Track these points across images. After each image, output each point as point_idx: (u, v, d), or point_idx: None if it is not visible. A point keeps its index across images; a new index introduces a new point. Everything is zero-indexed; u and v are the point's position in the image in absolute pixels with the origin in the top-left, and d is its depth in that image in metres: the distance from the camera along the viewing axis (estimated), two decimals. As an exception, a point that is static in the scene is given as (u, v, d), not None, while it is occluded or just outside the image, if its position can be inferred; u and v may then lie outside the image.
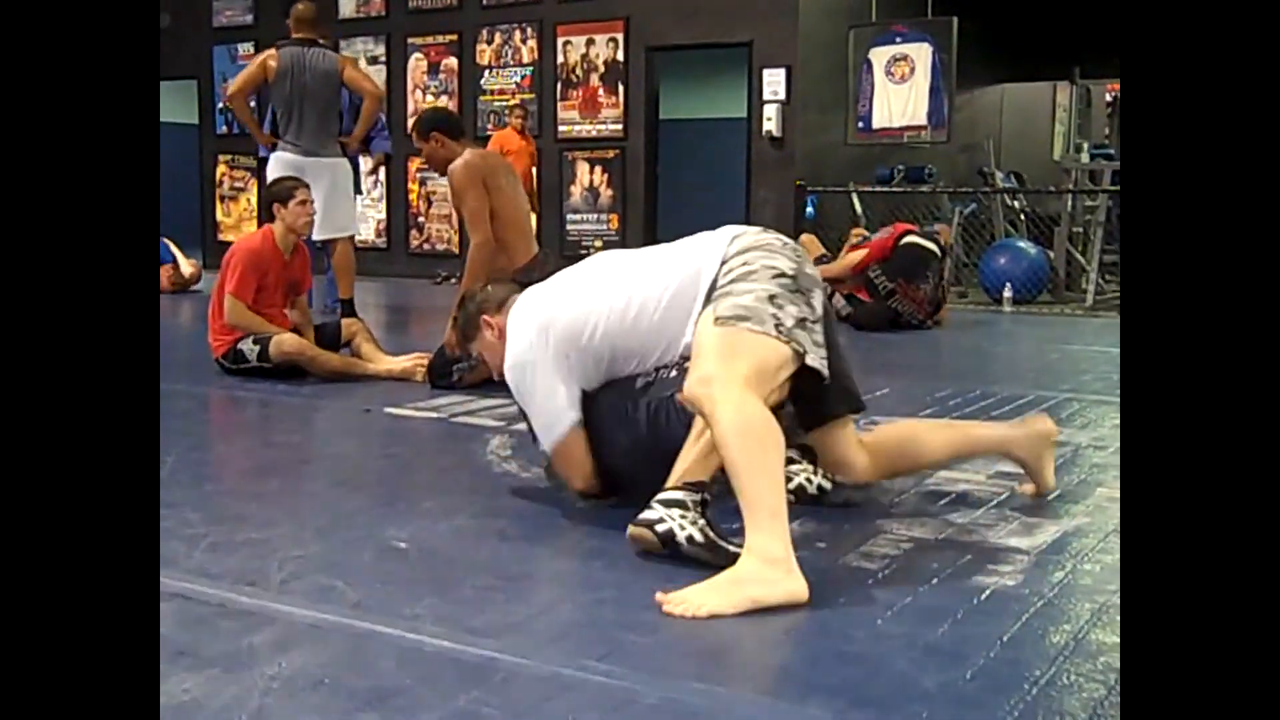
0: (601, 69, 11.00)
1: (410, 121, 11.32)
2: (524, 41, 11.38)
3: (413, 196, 12.01)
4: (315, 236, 6.09)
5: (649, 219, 10.98)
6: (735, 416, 2.39)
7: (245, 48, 12.47)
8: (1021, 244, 9.57)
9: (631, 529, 2.57)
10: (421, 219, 12.03)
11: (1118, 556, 2.62)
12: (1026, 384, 5.18)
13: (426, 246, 12.01)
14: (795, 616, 2.25)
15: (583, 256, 3.32)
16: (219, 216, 13.35)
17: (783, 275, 2.68)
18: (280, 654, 2.04)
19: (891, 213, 9.40)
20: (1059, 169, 11.74)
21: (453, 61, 11.76)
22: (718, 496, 2.57)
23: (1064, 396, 4.82)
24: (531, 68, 11.35)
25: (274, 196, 5.31)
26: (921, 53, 10.02)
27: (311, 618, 2.22)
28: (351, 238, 7.03)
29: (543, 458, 3.26)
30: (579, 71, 11.13)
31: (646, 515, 2.55)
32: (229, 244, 6.31)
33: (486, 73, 11.60)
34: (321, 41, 6.96)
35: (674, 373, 2.84)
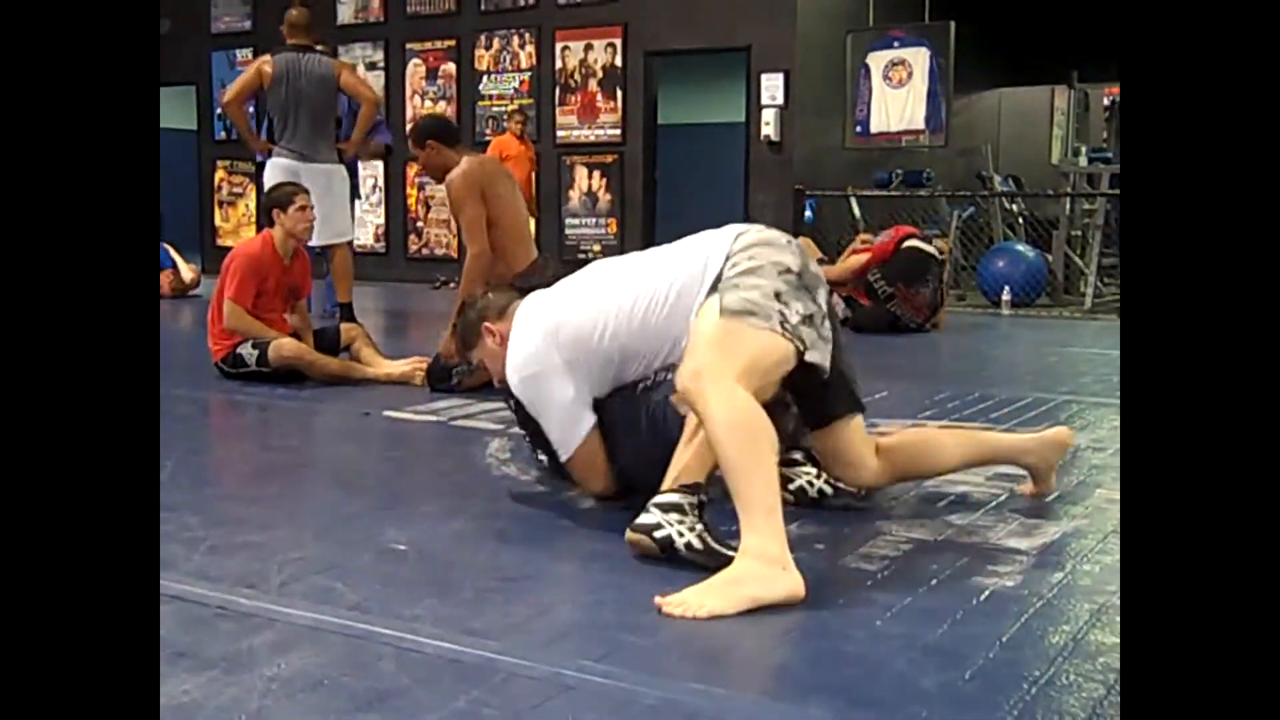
0: (600, 74, 11.02)
1: (409, 127, 11.46)
2: (522, 47, 11.39)
3: (411, 201, 12.02)
4: (312, 242, 6.10)
5: (647, 224, 10.99)
6: (727, 414, 2.39)
7: (244, 53, 12.48)
8: (1020, 247, 9.57)
9: (630, 534, 2.57)
10: (420, 224, 12.04)
11: (1117, 557, 2.62)
12: (1025, 386, 5.18)
13: (425, 251, 12.01)
14: (795, 617, 2.25)
15: (581, 261, 3.33)
16: (218, 221, 13.36)
17: (789, 271, 2.67)
18: (280, 655, 2.04)
19: (890, 217, 9.41)
20: (1057, 173, 11.75)
21: (451, 67, 11.77)
22: (714, 499, 2.57)
23: (1063, 399, 4.82)
24: (530, 73, 11.36)
25: (274, 202, 5.31)
26: (919, 57, 10.03)
27: (311, 619, 2.22)
28: (349, 243, 7.03)
29: (538, 460, 3.27)
30: (577, 76, 11.14)
31: (644, 520, 2.55)
32: (228, 249, 6.32)
33: (485, 78, 11.61)
34: (321, 48, 6.97)
35: (673, 375, 2.84)
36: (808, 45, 10.27)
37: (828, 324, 2.72)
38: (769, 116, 10.24)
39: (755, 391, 2.48)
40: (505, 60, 11.49)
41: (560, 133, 11.25)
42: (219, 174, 13.27)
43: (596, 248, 10.91)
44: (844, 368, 2.88)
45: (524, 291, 3.16)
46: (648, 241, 10.42)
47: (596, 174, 11.12)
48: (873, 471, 2.96)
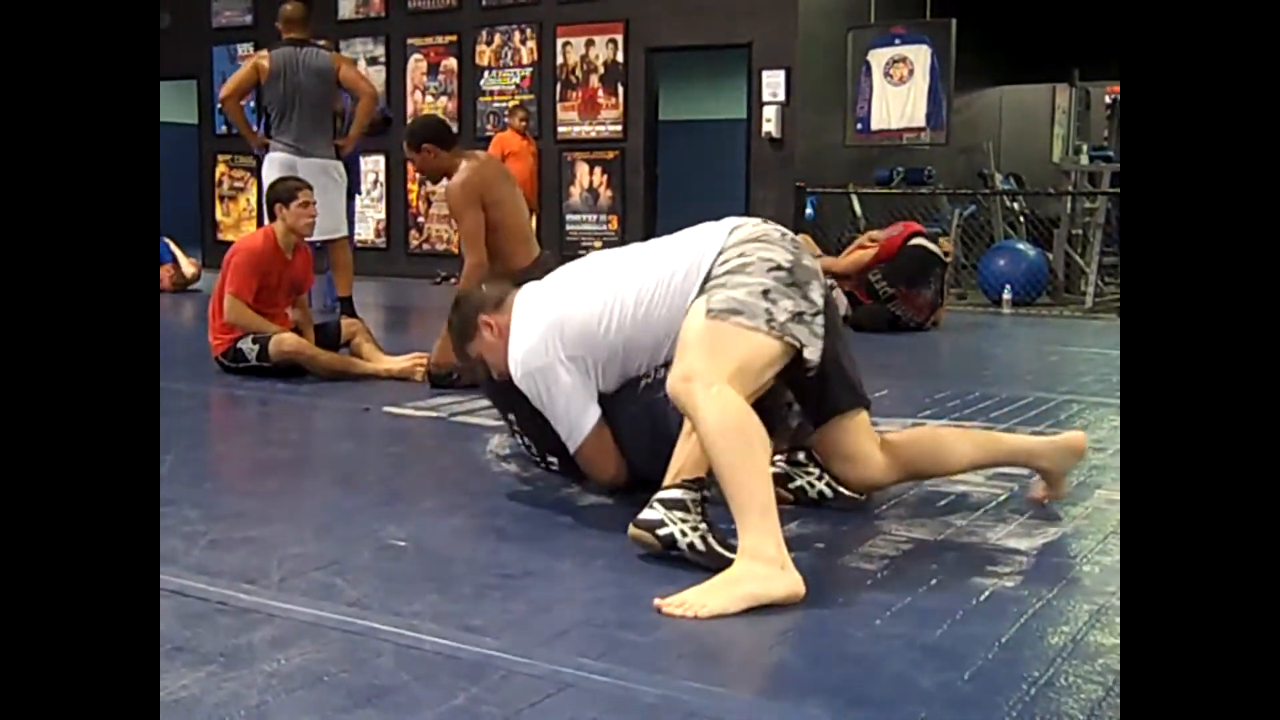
0: (601, 70, 11.01)
1: (409, 122, 11.44)
2: (523, 42, 11.38)
3: (412, 197, 12.00)
4: (307, 237, 6.09)
5: (648, 220, 10.98)
6: (719, 416, 2.39)
7: (244, 48, 12.45)
8: (1020, 246, 9.57)
9: (633, 530, 2.56)
10: (421, 219, 12.03)
11: (1116, 558, 2.62)
12: (1025, 386, 5.18)
13: (426, 246, 12.01)
14: (794, 616, 2.25)
15: (582, 257, 3.32)
16: (218, 216, 13.35)
17: (779, 268, 2.66)
18: (279, 651, 2.04)
19: (891, 214, 9.41)
20: (1058, 171, 11.75)
21: (452, 62, 11.76)
22: (716, 500, 2.57)
23: (1063, 398, 4.82)
24: (531, 68, 11.35)
25: (277, 196, 5.31)
26: (920, 54, 10.02)
27: (310, 615, 2.22)
28: (347, 237, 7.02)
29: (546, 466, 3.27)
30: (578, 72, 11.13)
31: (647, 517, 2.54)
32: (229, 243, 6.31)
33: (486, 73, 11.60)
34: (323, 44, 6.96)
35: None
36: (809, 42, 10.27)
37: (821, 319, 2.69)
38: (770, 113, 10.23)
39: (748, 391, 2.48)
40: (506, 56, 11.49)
41: (561, 129, 11.24)
42: (220, 168, 13.26)
43: (597, 244, 10.89)
44: (845, 362, 2.87)
45: (520, 283, 3.16)
46: (648, 238, 10.38)
47: (598, 170, 11.11)
48: (878, 467, 2.93)
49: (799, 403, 2.94)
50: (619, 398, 2.96)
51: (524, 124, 10.35)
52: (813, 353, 2.64)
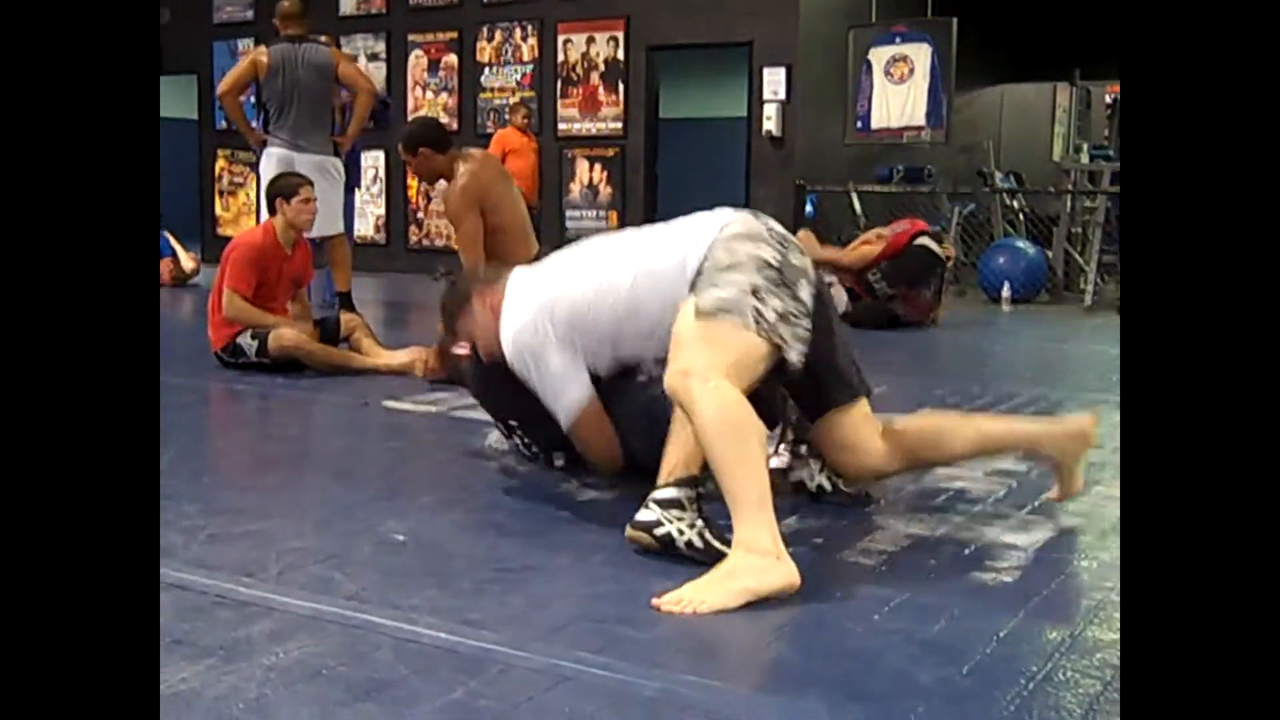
0: (602, 67, 11.01)
1: (407, 123, 11.43)
2: (524, 39, 11.37)
3: (411, 192, 12.00)
4: (306, 234, 6.09)
5: (648, 217, 10.96)
6: (716, 411, 2.39)
7: (245, 43, 12.44)
8: (1020, 244, 9.57)
9: (630, 531, 2.56)
10: (420, 215, 12.03)
11: (1114, 555, 2.62)
12: (1024, 383, 5.18)
13: (425, 242, 12.00)
14: (792, 611, 2.25)
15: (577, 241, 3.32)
16: (218, 211, 13.35)
17: (768, 266, 2.65)
18: (278, 644, 2.05)
19: (891, 212, 9.41)
20: (1058, 170, 11.74)
21: (453, 59, 11.75)
22: (712, 495, 2.57)
23: (1062, 396, 4.82)
24: (532, 65, 11.34)
25: (278, 191, 5.31)
26: (921, 53, 10.02)
27: (309, 609, 2.22)
28: (344, 233, 7.01)
29: (552, 463, 3.29)
30: (579, 69, 11.13)
31: (644, 518, 2.54)
32: (228, 238, 6.31)
33: (487, 70, 11.59)
34: (323, 41, 6.95)
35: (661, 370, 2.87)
36: (810, 40, 10.26)
37: (807, 322, 2.67)
38: (771, 111, 10.23)
39: (743, 386, 2.48)
40: (507, 53, 11.48)
41: (562, 125, 11.24)
42: (220, 163, 13.26)
43: (597, 241, 10.88)
44: (839, 358, 2.86)
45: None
46: (647, 235, 10.38)
47: (598, 167, 11.11)
48: (878, 455, 2.90)
49: (793, 399, 2.94)
50: (616, 394, 2.97)
51: (526, 121, 10.35)
52: (795, 356, 2.62)
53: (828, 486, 3.02)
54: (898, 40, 10.15)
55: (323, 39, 7.07)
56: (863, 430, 2.90)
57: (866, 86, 10.24)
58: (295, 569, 2.46)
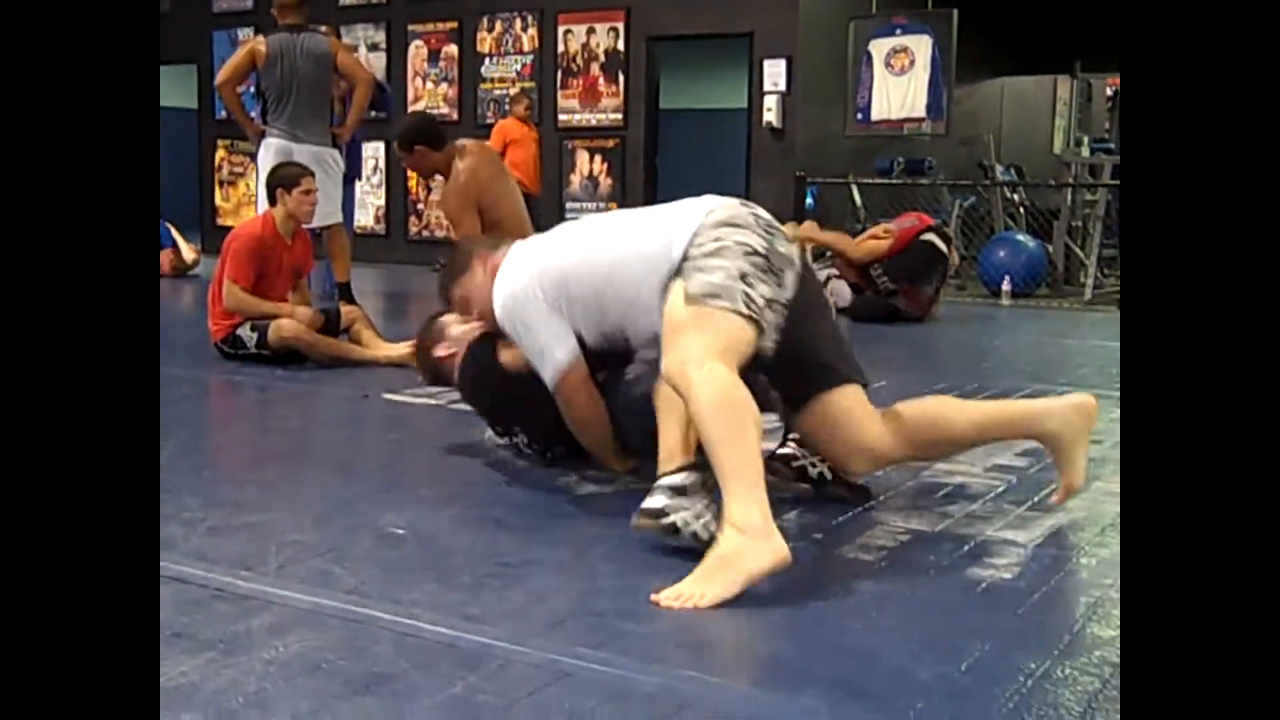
0: (602, 58, 10.99)
1: (409, 109, 11.42)
2: (525, 29, 11.35)
3: (412, 183, 11.98)
4: (305, 224, 6.09)
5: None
6: (712, 393, 2.41)
7: (245, 32, 12.39)
8: (1020, 237, 9.56)
9: (637, 519, 2.55)
10: (421, 205, 12.01)
11: (1114, 551, 2.62)
12: (1024, 377, 5.18)
13: (426, 233, 11.98)
14: (791, 608, 2.25)
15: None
16: (218, 201, 13.33)
17: (754, 253, 2.68)
18: (277, 638, 2.05)
19: (892, 204, 9.39)
20: (1059, 163, 11.73)
21: (453, 49, 11.73)
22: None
23: (1062, 390, 4.81)
24: (532, 56, 11.32)
25: (279, 181, 5.29)
26: (921, 45, 10.00)
27: (309, 602, 2.23)
28: (343, 223, 7.00)
29: (544, 457, 3.30)
30: (579, 60, 11.11)
31: (651, 505, 2.54)
32: (228, 228, 6.30)
33: (487, 60, 11.57)
34: (323, 31, 6.94)
35: (639, 359, 2.94)
36: (811, 32, 10.25)
37: (782, 310, 2.69)
38: (771, 103, 10.22)
39: (735, 369, 2.50)
40: (507, 43, 11.46)
41: (562, 116, 11.22)
42: (219, 153, 13.23)
43: (597, 233, 10.87)
44: (824, 344, 2.85)
45: None
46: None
47: (598, 158, 11.10)
48: (877, 434, 2.83)
49: (776, 390, 2.90)
50: (607, 388, 3.00)
51: (527, 112, 10.33)
52: (768, 343, 2.67)
53: (828, 475, 3.01)
54: (898, 32, 10.13)
55: (322, 29, 7.05)
56: (855, 410, 2.83)
57: (867, 78, 10.22)
58: (295, 562, 2.47)
